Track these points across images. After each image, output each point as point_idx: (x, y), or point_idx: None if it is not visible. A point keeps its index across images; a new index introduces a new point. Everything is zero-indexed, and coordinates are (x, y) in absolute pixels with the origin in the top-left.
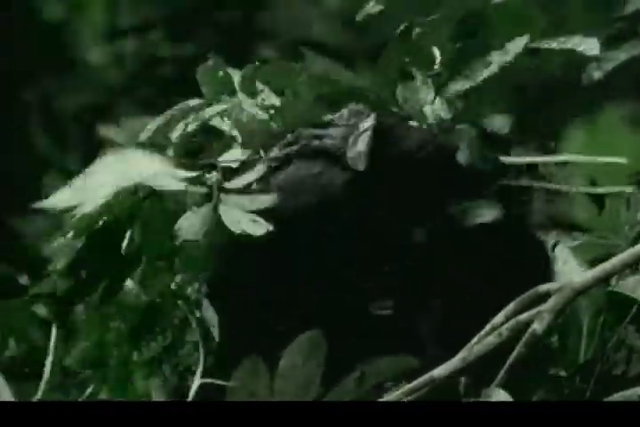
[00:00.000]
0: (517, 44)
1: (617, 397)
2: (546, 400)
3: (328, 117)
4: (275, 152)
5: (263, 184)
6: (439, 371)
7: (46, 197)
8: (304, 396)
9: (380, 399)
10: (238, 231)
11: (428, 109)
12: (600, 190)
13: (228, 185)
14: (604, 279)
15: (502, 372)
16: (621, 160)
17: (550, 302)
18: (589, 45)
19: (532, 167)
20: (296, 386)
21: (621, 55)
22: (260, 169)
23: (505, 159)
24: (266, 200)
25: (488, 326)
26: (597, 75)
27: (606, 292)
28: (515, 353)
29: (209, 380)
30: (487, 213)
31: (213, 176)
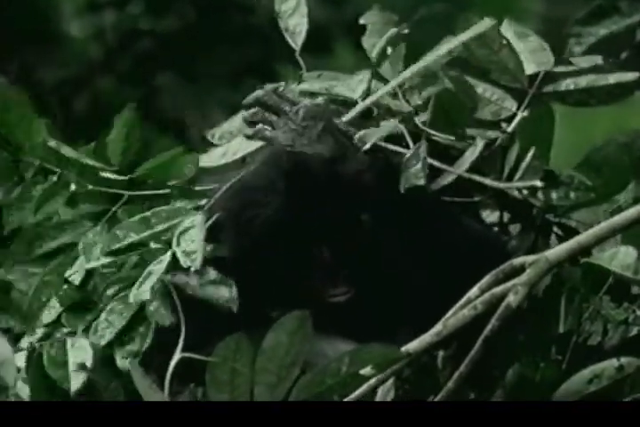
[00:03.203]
0: None
1: (593, 368)
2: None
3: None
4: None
5: None
6: (414, 345)
7: None
8: (286, 375)
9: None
10: None
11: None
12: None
13: None
14: (579, 252)
15: (477, 345)
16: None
17: (525, 276)
18: None
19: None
20: (279, 365)
21: (601, 31)
22: None
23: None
24: None
25: (463, 300)
26: (578, 49)
27: (582, 263)
28: (489, 326)
29: (189, 354)
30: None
31: None
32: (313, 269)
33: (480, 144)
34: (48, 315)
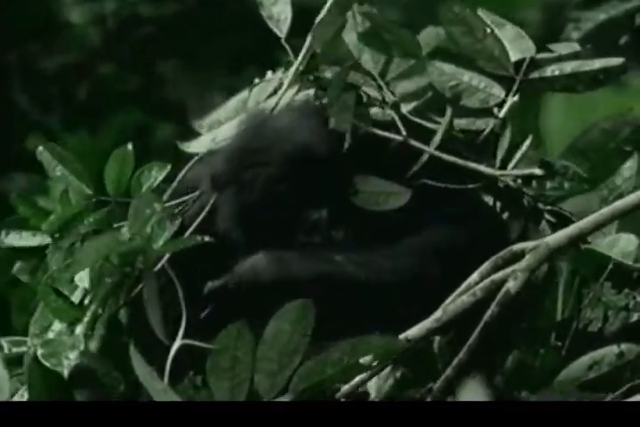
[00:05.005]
0: None
1: (593, 355)
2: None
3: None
4: None
5: None
6: (413, 331)
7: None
8: (287, 364)
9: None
10: None
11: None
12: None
13: None
14: (578, 238)
15: (476, 331)
16: None
17: (525, 262)
18: None
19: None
20: (280, 353)
21: (600, 16)
22: None
23: None
24: None
25: (463, 286)
26: (575, 35)
27: (582, 250)
28: (489, 312)
29: (190, 341)
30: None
31: None
32: (310, 229)
33: (448, 113)
34: (51, 333)
